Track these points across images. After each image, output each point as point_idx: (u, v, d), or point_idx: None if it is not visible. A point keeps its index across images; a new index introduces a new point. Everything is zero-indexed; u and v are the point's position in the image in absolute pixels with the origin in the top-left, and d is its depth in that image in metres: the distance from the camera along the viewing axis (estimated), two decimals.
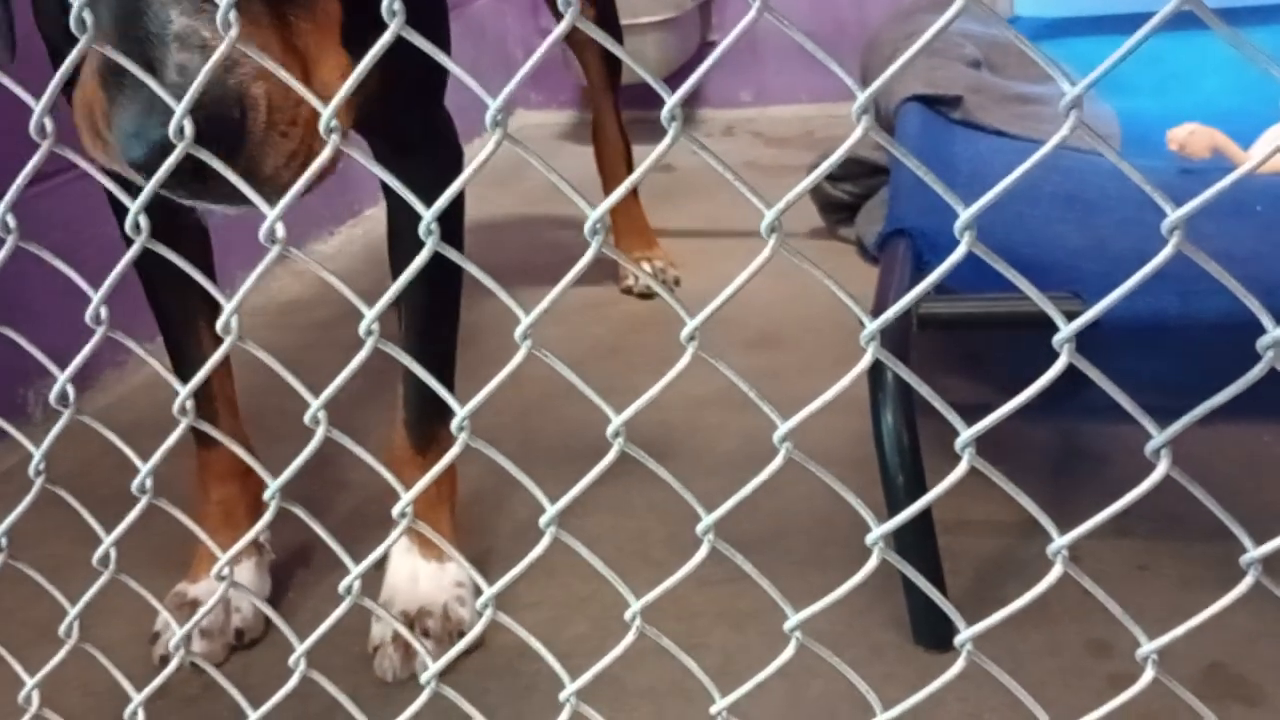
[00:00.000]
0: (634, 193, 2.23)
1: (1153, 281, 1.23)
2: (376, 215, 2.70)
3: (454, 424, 0.62)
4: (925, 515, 1.19)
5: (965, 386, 1.59)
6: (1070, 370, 0.56)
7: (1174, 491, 0.56)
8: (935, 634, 1.19)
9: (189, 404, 0.67)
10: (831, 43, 0.55)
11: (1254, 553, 0.54)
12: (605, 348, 1.97)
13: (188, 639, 0.79)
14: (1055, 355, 0.53)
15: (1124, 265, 0.51)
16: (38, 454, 0.75)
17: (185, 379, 0.70)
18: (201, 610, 0.79)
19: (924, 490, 1.19)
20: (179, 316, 1.24)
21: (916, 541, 1.17)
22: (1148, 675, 0.57)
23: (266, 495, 0.68)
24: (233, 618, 1.27)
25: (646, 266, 2.14)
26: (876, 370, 1.22)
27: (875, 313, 0.53)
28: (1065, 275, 1.33)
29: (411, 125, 1.17)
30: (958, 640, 0.60)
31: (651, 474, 0.63)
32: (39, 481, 0.75)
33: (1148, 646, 0.57)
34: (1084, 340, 0.54)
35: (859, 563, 0.61)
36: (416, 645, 0.73)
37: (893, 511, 1.21)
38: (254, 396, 1.39)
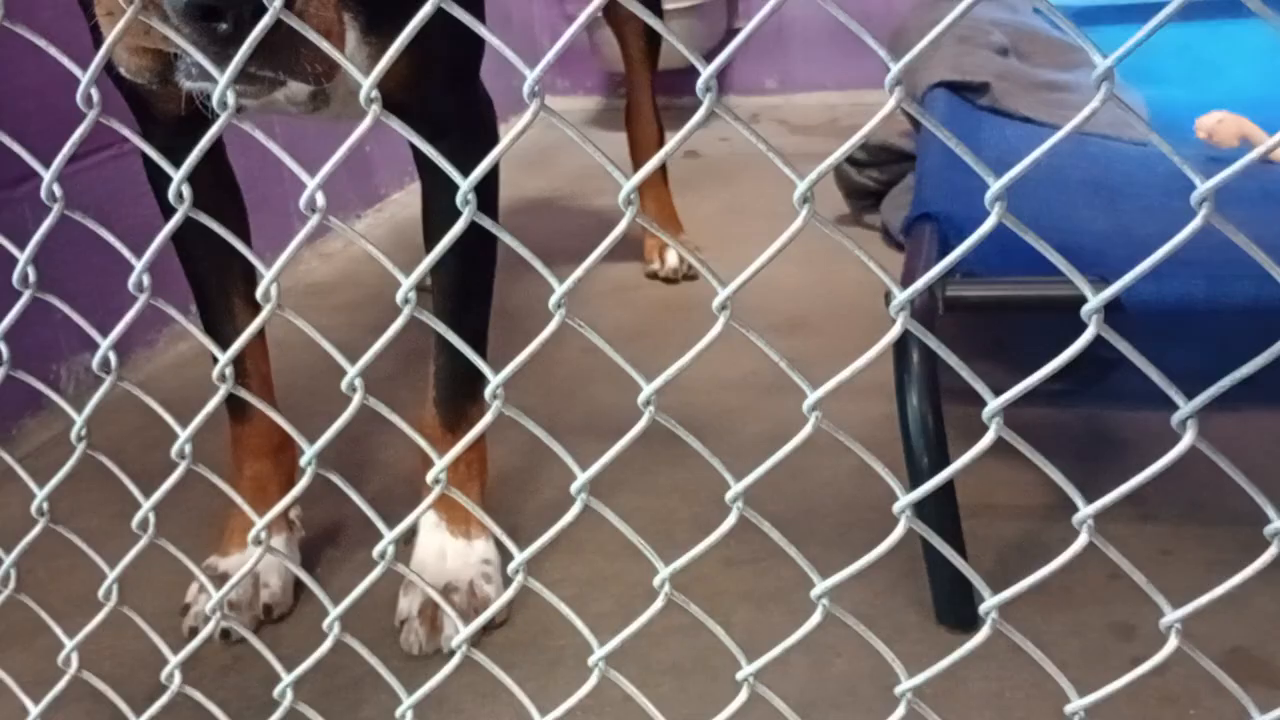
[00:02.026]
0: (664, 178, 2.24)
1: (1180, 267, 1.23)
2: (401, 199, 2.72)
3: (488, 391, 0.63)
4: (949, 495, 1.19)
5: (990, 371, 1.58)
6: (1096, 357, 0.56)
7: (1198, 478, 0.57)
8: (958, 613, 1.20)
9: (228, 370, 0.68)
10: (858, 35, 0.55)
11: (1279, 523, 0.54)
12: (631, 330, 1.98)
13: (219, 608, 0.80)
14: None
15: (1150, 250, 0.51)
16: (79, 419, 0.77)
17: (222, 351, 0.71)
18: (234, 578, 0.80)
19: (950, 482, 1.19)
20: (216, 288, 1.26)
21: (940, 521, 1.17)
22: (1171, 644, 0.58)
23: (303, 461, 0.69)
24: (261, 593, 1.29)
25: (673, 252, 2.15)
26: (902, 352, 1.22)
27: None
28: (1091, 260, 1.33)
29: (447, 104, 1.18)
30: (982, 609, 0.61)
31: (677, 455, 0.63)
32: (80, 447, 0.77)
33: (1171, 616, 0.58)
34: (1111, 327, 0.55)
35: (882, 542, 0.62)
36: (449, 611, 0.74)
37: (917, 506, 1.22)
38: (281, 377, 1.41)
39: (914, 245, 1.39)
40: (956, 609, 1.20)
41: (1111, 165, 1.68)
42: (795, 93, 3.32)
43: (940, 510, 1.17)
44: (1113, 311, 0.52)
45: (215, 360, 0.71)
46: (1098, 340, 0.55)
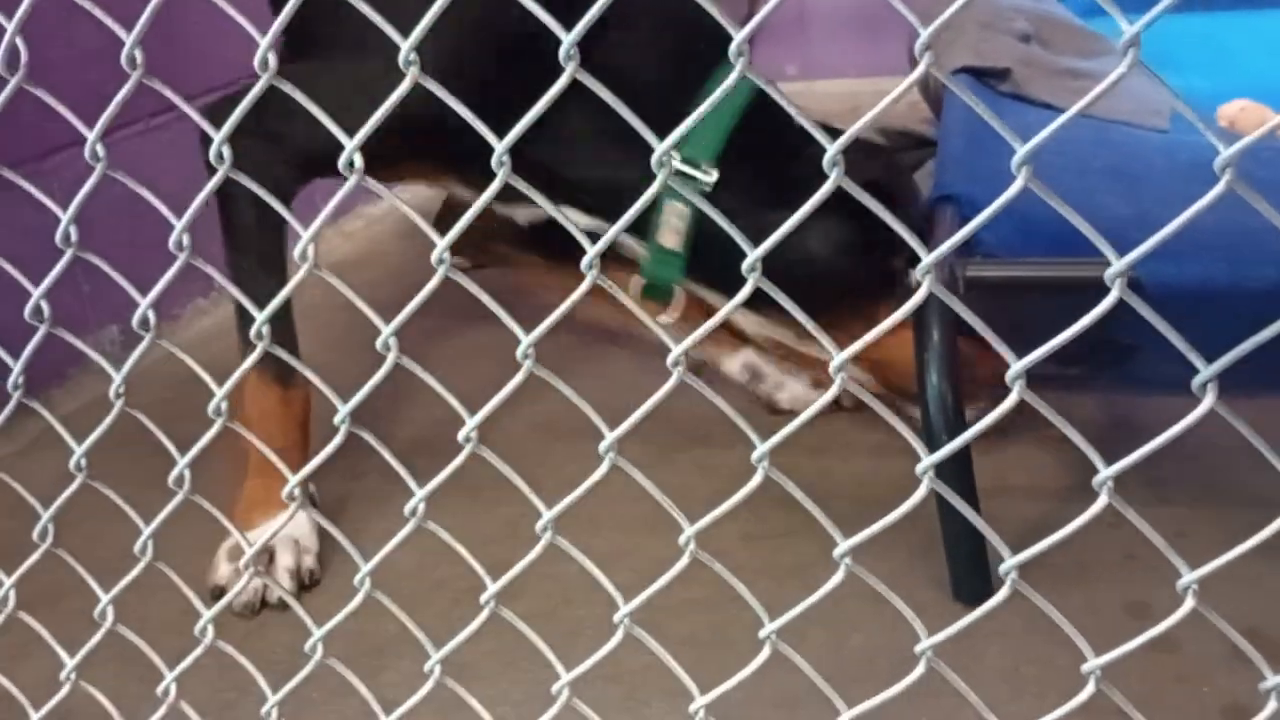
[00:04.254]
0: None
1: (1202, 250, 1.24)
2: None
3: (519, 351, 0.64)
4: (967, 470, 1.20)
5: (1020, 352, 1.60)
6: (1112, 342, 0.57)
7: (1212, 461, 0.57)
8: (975, 589, 1.21)
9: (265, 329, 0.70)
10: (879, 19, 0.57)
11: None
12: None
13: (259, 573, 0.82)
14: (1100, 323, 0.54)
15: (1157, 229, 0.52)
16: (118, 377, 0.78)
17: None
18: (266, 538, 0.82)
19: (967, 450, 1.20)
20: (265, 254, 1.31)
21: (959, 496, 1.19)
22: (1188, 605, 0.59)
23: (337, 419, 0.71)
24: (304, 559, 1.32)
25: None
26: (922, 330, 1.23)
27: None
28: (1113, 244, 1.34)
29: None
30: (1002, 569, 0.62)
31: (688, 434, 0.64)
32: (118, 404, 0.78)
33: (1188, 576, 0.59)
34: (1130, 313, 0.56)
35: (900, 522, 0.64)
36: (476, 567, 0.76)
37: (937, 471, 1.23)
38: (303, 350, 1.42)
39: (935, 226, 1.40)
40: (974, 585, 1.21)
41: (1134, 153, 1.68)
42: (816, 79, 3.32)
43: (959, 486, 1.18)
44: (1135, 292, 0.53)
45: (250, 322, 0.72)
46: (1116, 325, 0.56)
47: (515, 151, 0.59)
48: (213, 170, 0.67)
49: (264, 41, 0.59)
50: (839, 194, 0.55)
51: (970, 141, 1.49)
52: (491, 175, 0.59)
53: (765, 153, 1.39)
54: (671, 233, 1.42)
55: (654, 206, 1.40)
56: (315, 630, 0.76)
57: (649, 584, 1.30)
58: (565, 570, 0.77)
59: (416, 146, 1.24)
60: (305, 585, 1.32)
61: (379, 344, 0.67)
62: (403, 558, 0.83)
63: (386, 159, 0.77)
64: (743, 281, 0.57)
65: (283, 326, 1.36)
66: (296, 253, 0.66)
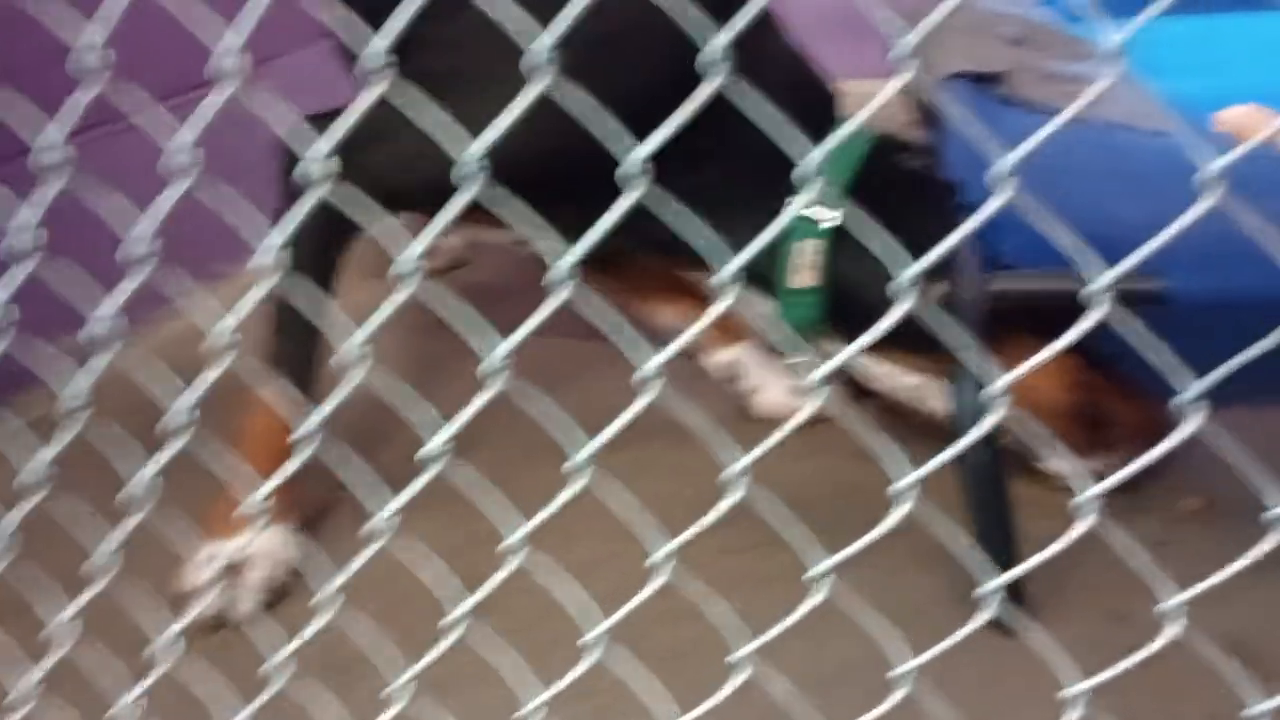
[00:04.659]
0: None
1: (1232, 259, 1.21)
2: None
3: (486, 365, 0.62)
4: (1000, 486, 1.20)
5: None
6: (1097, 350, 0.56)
7: (1194, 469, 0.56)
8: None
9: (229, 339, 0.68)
10: (862, 20, 0.55)
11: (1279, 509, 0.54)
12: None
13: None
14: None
15: (1187, 241, 0.51)
16: (77, 388, 0.76)
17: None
18: (226, 556, 0.80)
19: (1000, 468, 1.18)
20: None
21: (993, 512, 1.18)
22: (1175, 627, 0.57)
23: (297, 435, 0.69)
24: (277, 571, 1.30)
25: None
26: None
27: (950, 283, 0.53)
28: (1129, 252, 1.32)
29: None
30: (980, 591, 0.61)
31: (669, 440, 0.63)
32: (86, 414, 0.76)
33: (1173, 600, 0.58)
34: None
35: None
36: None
37: (970, 489, 1.21)
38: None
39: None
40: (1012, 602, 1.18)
41: (1135, 157, 1.67)
42: None
43: (993, 502, 1.17)
44: (1158, 304, 0.52)
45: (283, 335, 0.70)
46: (1102, 333, 0.54)
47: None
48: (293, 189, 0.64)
49: (224, 43, 0.57)
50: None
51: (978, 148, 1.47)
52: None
53: (885, 195, 1.38)
54: (804, 271, 1.42)
55: (777, 253, 1.42)
56: (276, 652, 0.74)
57: (628, 594, 1.29)
58: (543, 582, 0.76)
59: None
60: (275, 601, 1.30)
61: (346, 353, 0.65)
62: (376, 568, 0.81)
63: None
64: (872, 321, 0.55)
65: (311, 350, 1.35)
66: (265, 257, 0.64)
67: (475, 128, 0.57)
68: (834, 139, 0.55)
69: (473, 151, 0.56)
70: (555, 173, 1.07)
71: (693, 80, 0.54)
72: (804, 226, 1.40)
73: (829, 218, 1.41)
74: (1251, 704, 0.58)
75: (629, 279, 1.77)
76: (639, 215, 0.56)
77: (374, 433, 1.60)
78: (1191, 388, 0.53)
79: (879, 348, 1.51)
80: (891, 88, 0.53)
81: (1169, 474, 1.34)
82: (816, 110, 1.48)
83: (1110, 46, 0.48)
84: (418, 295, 0.64)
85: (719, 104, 0.54)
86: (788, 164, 0.58)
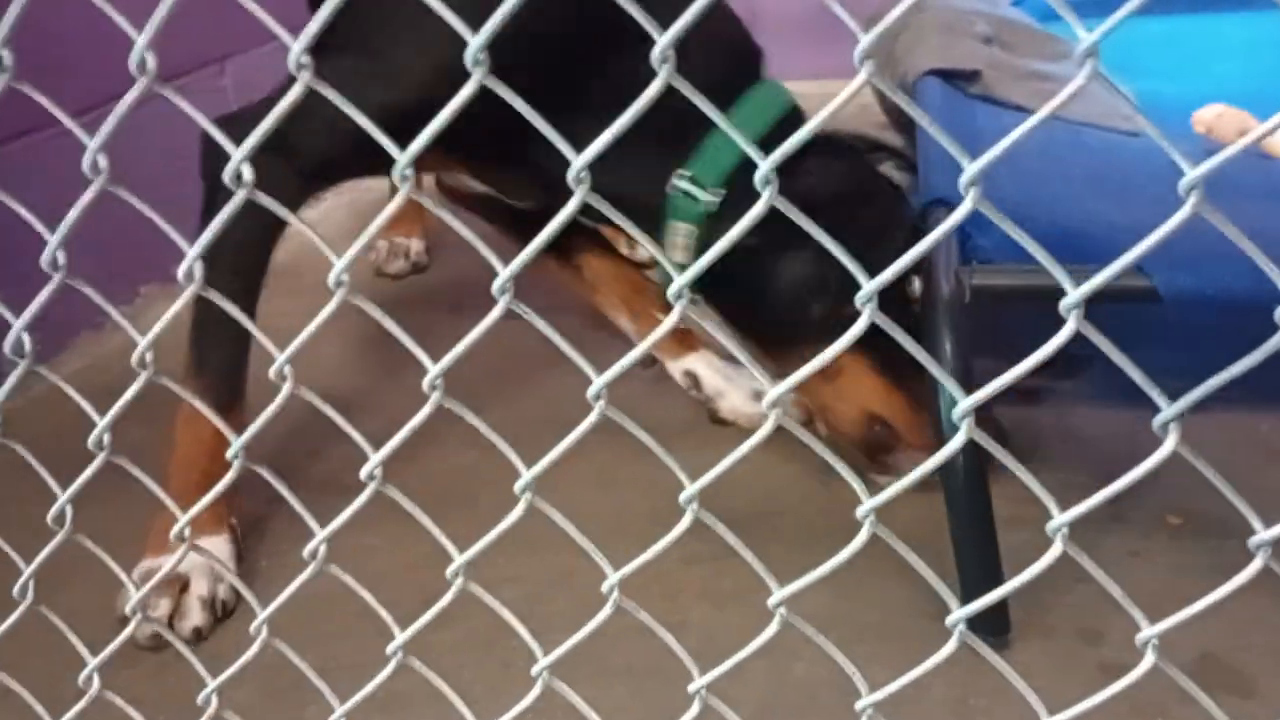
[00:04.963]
0: None
1: (1220, 260, 1.18)
2: (363, 183, 2.65)
3: (425, 382, 0.58)
4: (985, 507, 1.16)
5: (1000, 367, 1.57)
6: (1069, 354, 0.53)
7: (1168, 479, 0.54)
8: (993, 625, 1.16)
9: (148, 357, 0.64)
10: (830, 20, 0.52)
11: (1264, 535, 0.51)
12: (592, 322, 1.94)
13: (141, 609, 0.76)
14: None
15: (1171, 242, 0.48)
16: None
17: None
18: (160, 575, 0.76)
19: (986, 483, 1.15)
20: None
21: (976, 532, 1.15)
22: (1148, 661, 0.54)
23: (230, 454, 0.65)
24: (218, 587, 1.25)
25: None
26: (935, 350, 1.19)
27: (927, 284, 0.50)
28: (1110, 254, 1.30)
29: None
30: (949, 620, 0.58)
31: (635, 447, 0.60)
32: None
33: (1148, 631, 0.55)
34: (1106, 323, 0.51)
35: (847, 543, 0.59)
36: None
37: (952, 509, 1.19)
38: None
39: (930, 231, 1.36)
40: (992, 619, 1.15)
41: (1112, 157, 1.65)
42: None
43: (975, 520, 1.15)
44: (1150, 302, 0.49)
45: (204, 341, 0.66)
46: (1075, 337, 0.52)
47: (523, 155, 0.53)
48: (216, 188, 0.59)
49: (142, 42, 0.53)
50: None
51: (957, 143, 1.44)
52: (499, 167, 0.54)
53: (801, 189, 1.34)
54: (679, 249, 1.38)
55: (662, 223, 1.37)
56: (209, 680, 0.70)
57: (586, 610, 1.25)
58: (501, 596, 0.72)
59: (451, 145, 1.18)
60: (220, 616, 1.26)
61: (272, 372, 0.61)
62: (325, 583, 0.77)
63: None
64: (747, 310, 0.52)
65: (238, 353, 1.31)
66: (181, 272, 0.60)
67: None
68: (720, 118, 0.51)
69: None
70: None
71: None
72: (683, 204, 1.35)
73: (707, 201, 1.35)
74: None
75: (590, 273, 1.74)
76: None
77: (327, 436, 1.56)
78: (1167, 410, 0.50)
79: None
80: (851, 88, 0.50)
81: (1149, 488, 1.32)
82: (732, 66, 1.40)
83: (1084, 45, 0.45)
84: (358, 305, 0.60)
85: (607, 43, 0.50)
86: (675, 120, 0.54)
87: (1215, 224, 0.48)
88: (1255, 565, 0.52)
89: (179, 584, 1.24)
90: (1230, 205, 0.48)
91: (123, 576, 0.79)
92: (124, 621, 1.22)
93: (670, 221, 1.38)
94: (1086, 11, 0.48)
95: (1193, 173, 0.47)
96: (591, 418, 0.56)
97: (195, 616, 1.23)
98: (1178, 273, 1.17)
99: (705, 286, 1.35)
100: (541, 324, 0.56)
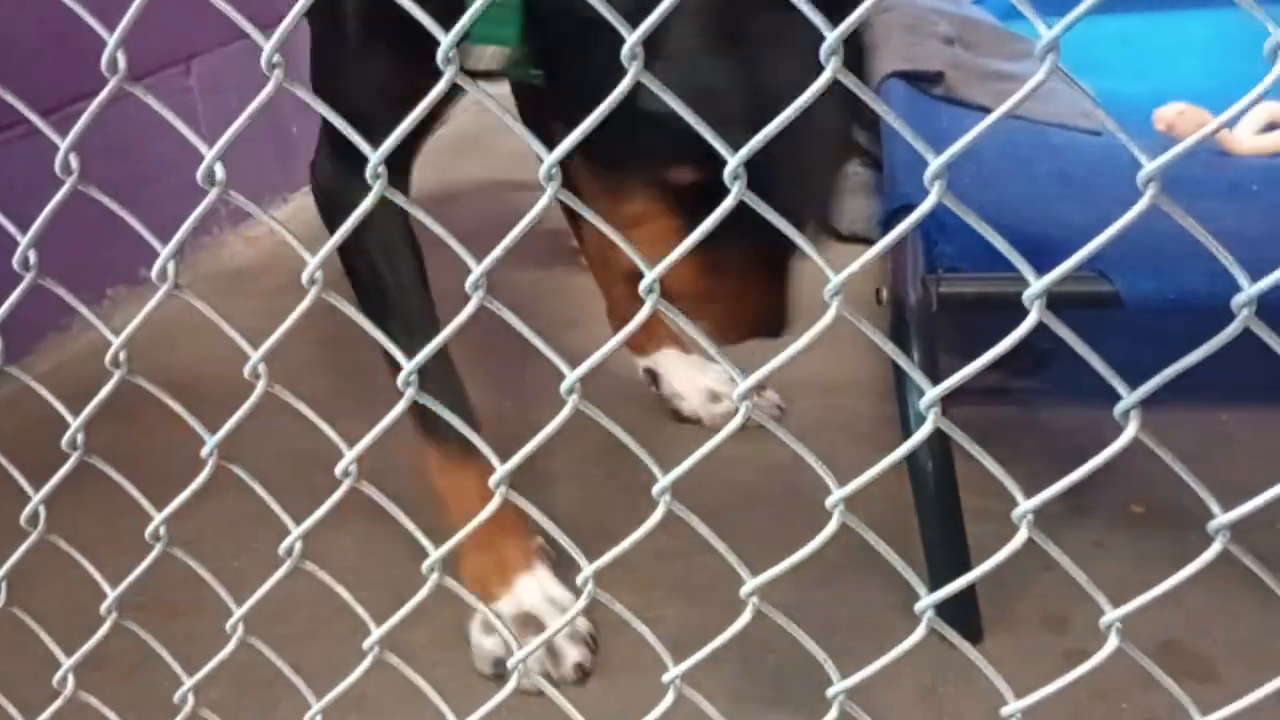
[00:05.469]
0: None
1: (1183, 261, 1.19)
2: None
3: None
4: (952, 499, 1.17)
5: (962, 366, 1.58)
6: (1031, 348, 0.55)
7: (1131, 469, 0.55)
8: (961, 616, 1.15)
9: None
10: None
11: (1222, 518, 0.53)
12: (564, 320, 1.95)
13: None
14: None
15: (1132, 241, 0.49)
16: None
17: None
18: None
19: (953, 476, 1.16)
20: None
21: (943, 523, 1.16)
22: (1111, 644, 0.56)
23: (204, 452, 0.65)
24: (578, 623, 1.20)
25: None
26: (902, 350, 1.20)
27: (893, 290, 0.51)
28: (1073, 253, 1.31)
29: None
30: (917, 607, 0.59)
31: (610, 444, 0.60)
32: None
33: (1111, 615, 0.56)
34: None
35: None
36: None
37: (920, 500, 1.19)
38: (200, 360, 1.36)
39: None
40: (960, 610, 1.15)
41: (1076, 156, 1.67)
42: None
43: (942, 509, 1.16)
44: (1113, 308, 0.50)
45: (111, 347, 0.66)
46: (1037, 331, 0.53)
47: None
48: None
49: (113, 41, 0.54)
50: None
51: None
52: None
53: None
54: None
55: None
56: (185, 679, 0.70)
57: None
58: (464, 596, 0.73)
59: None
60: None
61: (247, 371, 0.61)
62: (298, 581, 0.78)
63: None
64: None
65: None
66: (154, 273, 0.60)
67: None
68: None
69: None
70: None
71: None
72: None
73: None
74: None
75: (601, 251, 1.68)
76: None
77: (299, 434, 1.56)
78: (1127, 397, 0.51)
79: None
80: (818, 84, 0.51)
81: (1113, 479, 1.34)
82: None
83: (1044, 41, 0.46)
84: (329, 304, 0.60)
85: None
86: None
87: (1173, 215, 0.50)
88: (1214, 548, 0.53)
89: (535, 625, 1.18)
90: (1190, 201, 0.49)
91: (361, 612, 0.76)
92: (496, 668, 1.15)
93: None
94: (1048, 9, 0.49)
95: (1150, 165, 0.48)
96: (565, 412, 0.56)
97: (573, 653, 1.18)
98: (1139, 276, 1.19)
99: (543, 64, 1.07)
100: (514, 320, 0.57)
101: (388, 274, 1.19)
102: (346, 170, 1.17)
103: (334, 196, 1.21)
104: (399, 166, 1.13)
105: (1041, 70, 0.46)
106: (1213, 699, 0.58)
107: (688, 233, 0.52)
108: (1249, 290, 0.48)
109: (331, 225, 1.21)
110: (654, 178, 0.96)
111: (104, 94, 0.56)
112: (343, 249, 1.02)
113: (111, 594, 0.75)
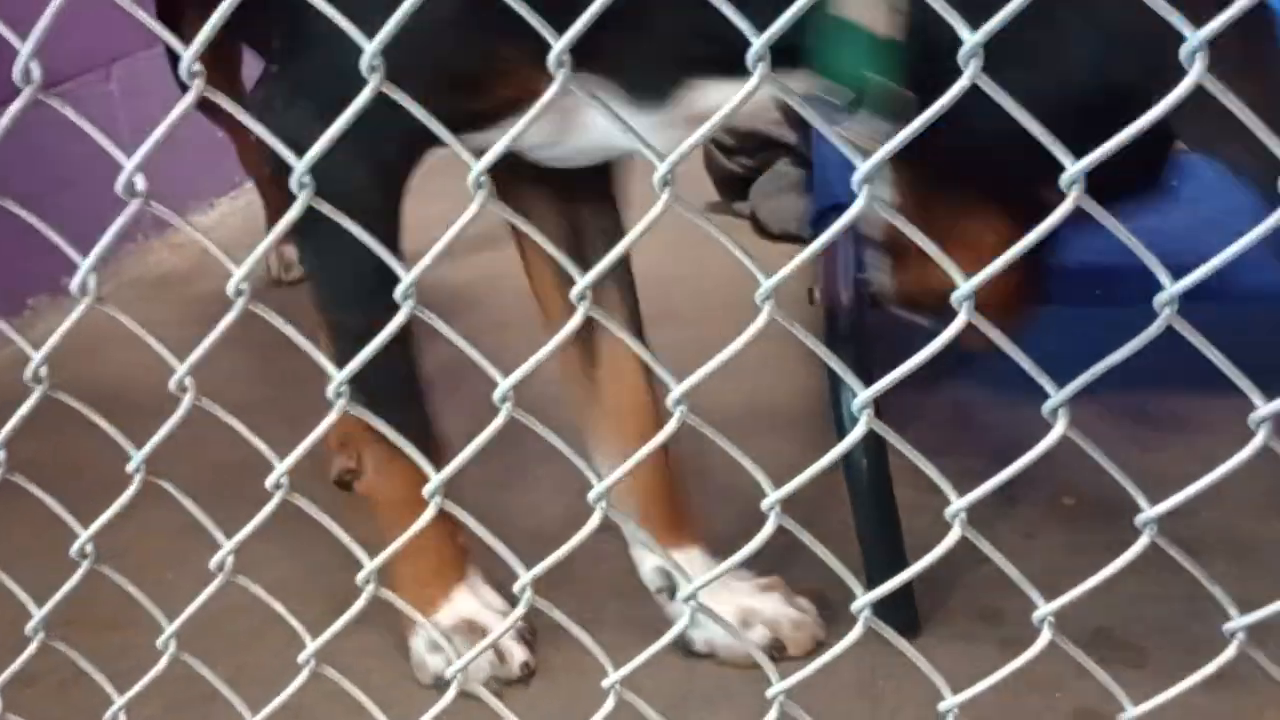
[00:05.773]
0: None
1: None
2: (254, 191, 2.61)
3: (330, 389, 0.58)
4: (886, 495, 1.18)
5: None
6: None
7: (1060, 461, 0.56)
8: (899, 617, 1.15)
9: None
10: None
11: (1149, 513, 0.54)
12: (493, 323, 1.93)
13: None
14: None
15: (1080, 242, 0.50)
16: None
17: None
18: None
19: (885, 471, 1.17)
20: None
21: (879, 523, 1.17)
22: (1044, 637, 0.56)
23: (130, 468, 0.64)
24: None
25: None
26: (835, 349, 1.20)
27: (826, 290, 0.51)
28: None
29: None
30: (854, 606, 0.59)
31: (547, 450, 0.60)
32: None
33: (1043, 610, 0.57)
34: None
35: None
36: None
37: (856, 499, 1.20)
38: (126, 371, 1.33)
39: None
40: (895, 609, 1.14)
41: None
42: None
43: (878, 510, 1.17)
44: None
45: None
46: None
47: None
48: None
49: (25, 50, 0.52)
50: None
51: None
52: None
53: None
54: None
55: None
56: (116, 698, 0.69)
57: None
58: (400, 606, 0.72)
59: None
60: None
61: (173, 384, 0.60)
62: (233, 593, 0.76)
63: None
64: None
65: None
66: (74, 285, 0.59)
67: None
68: None
69: None
70: None
71: None
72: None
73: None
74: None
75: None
76: None
77: (228, 444, 1.53)
78: (1055, 395, 0.52)
79: None
80: (745, 89, 0.51)
81: (1043, 472, 1.36)
82: None
83: (968, 46, 0.46)
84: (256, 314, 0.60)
85: None
86: None
87: (1095, 214, 0.50)
88: (1142, 542, 0.55)
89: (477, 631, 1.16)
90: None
91: (296, 625, 0.75)
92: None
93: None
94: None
95: (1074, 167, 0.49)
96: (499, 420, 0.56)
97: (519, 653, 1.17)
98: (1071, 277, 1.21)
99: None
100: (445, 328, 0.56)
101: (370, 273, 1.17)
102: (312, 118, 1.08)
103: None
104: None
105: (967, 75, 0.46)
106: (1143, 682, 0.59)
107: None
108: (1170, 289, 0.49)
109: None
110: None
111: (16, 105, 0.55)
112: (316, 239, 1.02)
113: (38, 613, 0.74)
